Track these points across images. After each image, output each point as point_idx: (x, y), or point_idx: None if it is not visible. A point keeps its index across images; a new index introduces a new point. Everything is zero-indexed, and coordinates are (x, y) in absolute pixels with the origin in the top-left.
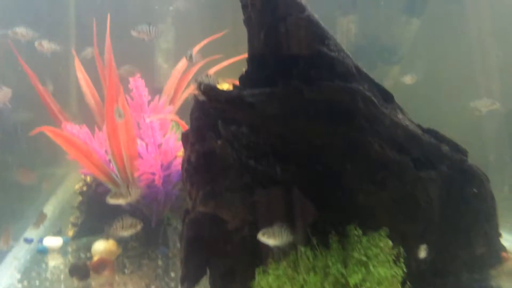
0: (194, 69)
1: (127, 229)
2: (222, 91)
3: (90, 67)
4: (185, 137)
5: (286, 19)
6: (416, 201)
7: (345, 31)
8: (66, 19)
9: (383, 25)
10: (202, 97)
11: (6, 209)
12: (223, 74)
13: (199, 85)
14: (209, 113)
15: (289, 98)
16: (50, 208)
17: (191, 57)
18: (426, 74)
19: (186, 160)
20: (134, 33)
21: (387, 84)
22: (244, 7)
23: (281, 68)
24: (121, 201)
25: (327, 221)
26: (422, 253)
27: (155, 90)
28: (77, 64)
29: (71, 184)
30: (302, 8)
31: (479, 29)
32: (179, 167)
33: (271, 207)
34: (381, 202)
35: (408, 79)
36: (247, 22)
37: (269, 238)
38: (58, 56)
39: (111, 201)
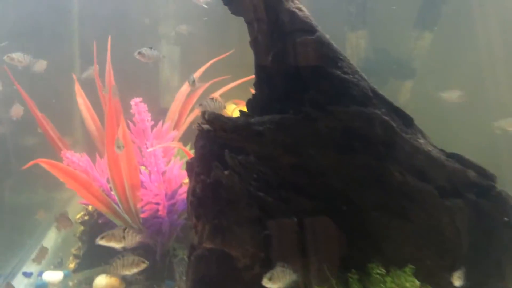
0: (199, 91)
1: (129, 267)
2: (228, 119)
3: (94, 87)
4: (190, 167)
5: (295, 41)
6: (442, 233)
7: (354, 47)
8: (68, 37)
9: (394, 40)
10: (206, 126)
11: (4, 239)
12: (229, 94)
13: (204, 114)
14: (215, 142)
15: (301, 126)
16: (52, 237)
17: (193, 82)
18: (439, 89)
19: (191, 192)
20: (136, 56)
21: (401, 100)
22: (250, 25)
23: (291, 92)
24: (112, 245)
25: (346, 257)
26: (457, 281)
27: (162, 111)
28: (77, 89)
29: (74, 210)
30: (312, 29)
31: (492, 40)
32: (185, 195)
33: (284, 243)
34: (404, 235)
35: (454, 96)
36: (254, 43)
37: (274, 283)
38: (60, 77)
39: (101, 242)
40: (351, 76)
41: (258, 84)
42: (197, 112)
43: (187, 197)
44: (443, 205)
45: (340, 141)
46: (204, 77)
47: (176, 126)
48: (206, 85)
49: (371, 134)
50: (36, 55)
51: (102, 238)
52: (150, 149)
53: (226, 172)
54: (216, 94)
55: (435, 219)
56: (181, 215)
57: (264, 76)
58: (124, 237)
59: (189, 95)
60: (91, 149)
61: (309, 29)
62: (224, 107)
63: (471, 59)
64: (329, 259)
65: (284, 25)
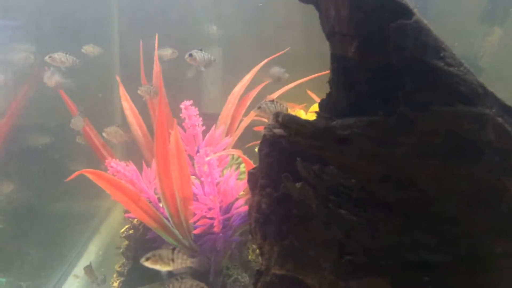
0: (253, 93)
1: None
2: (307, 122)
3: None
4: (253, 178)
5: (387, 27)
6: None
7: None
8: (108, 35)
9: (458, 37)
10: (279, 131)
11: (43, 253)
12: (283, 97)
13: (277, 116)
14: (283, 149)
15: (394, 130)
16: (93, 250)
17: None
18: None
19: (256, 207)
20: (187, 59)
21: None
22: (324, 13)
23: (380, 90)
24: (158, 267)
25: None
26: None
27: (204, 116)
28: (122, 92)
29: (115, 221)
30: (408, 12)
31: None
32: (241, 209)
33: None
34: None
35: None
36: (331, 34)
37: None
38: (100, 80)
39: (146, 264)
40: (456, 68)
41: (335, 81)
42: (251, 116)
43: (249, 213)
44: None
45: (443, 148)
46: (256, 78)
47: (228, 132)
48: (260, 86)
49: (482, 139)
50: (77, 55)
51: (147, 259)
52: (208, 158)
53: (297, 185)
54: (274, 96)
55: None
56: (236, 231)
57: (344, 71)
58: (173, 260)
59: (241, 98)
60: (134, 158)
61: (405, 12)
62: (286, 110)
63: None
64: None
65: (372, 9)
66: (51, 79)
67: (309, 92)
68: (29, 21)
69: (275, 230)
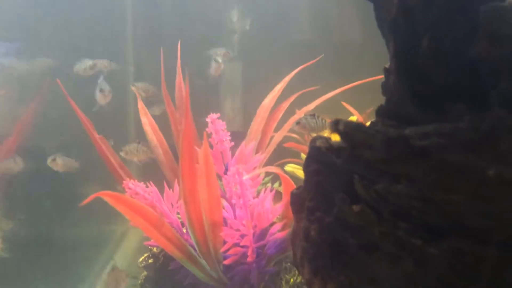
0: (285, 105)
1: None
2: (376, 131)
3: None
4: (297, 200)
5: (474, 11)
6: None
7: None
8: (122, 46)
9: None
10: (337, 143)
11: (53, 286)
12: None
13: (337, 124)
14: (334, 165)
15: (488, 139)
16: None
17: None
18: None
19: (302, 234)
20: (214, 65)
21: None
22: (380, 8)
23: (461, 91)
24: None
25: None
26: None
27: None
28: (141, 106)
29: (132, 247)
30: None
31: None
32: (278, 235)
33: None
34: None
35: None
36: (392, 26)
37: None
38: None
39: None
40: None
41: (397, 81)
42: (285, 130)
43: (293, 242)
44: None
45: None
46: (288, 88)
47: (259, 149)
48: (293, 97)
49: None
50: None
51: None
52: (246, 177)
53: (355, 208)
54: (309, 108)
55: None
56: (271, 260)
57: (410, 70)
58: None
59: (272, 111)
60: (150, 177)
61: None
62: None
63: None
64: None
65: None
66: (107, 95)
67: (344, 104)
68: (40, 33)
69: (328, 263)
